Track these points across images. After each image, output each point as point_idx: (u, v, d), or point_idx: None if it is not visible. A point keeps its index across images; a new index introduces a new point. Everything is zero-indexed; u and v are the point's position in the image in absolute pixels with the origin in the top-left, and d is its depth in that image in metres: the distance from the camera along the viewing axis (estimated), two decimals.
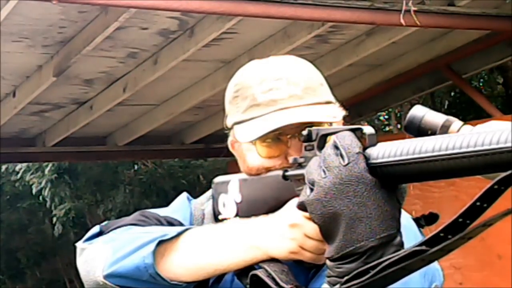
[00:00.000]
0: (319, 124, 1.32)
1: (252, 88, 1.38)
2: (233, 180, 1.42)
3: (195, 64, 4.56)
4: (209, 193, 1.51)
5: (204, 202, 1.51)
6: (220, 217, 1.42)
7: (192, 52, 4.15)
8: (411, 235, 1.22)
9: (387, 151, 1.09)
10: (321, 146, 1.18)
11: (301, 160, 1.27)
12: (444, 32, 4.81)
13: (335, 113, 1.37)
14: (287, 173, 1.31)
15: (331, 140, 1.15)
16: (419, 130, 1.26)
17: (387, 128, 10.55)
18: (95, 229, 1.47)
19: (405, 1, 3.71)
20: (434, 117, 1.26)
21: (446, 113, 1.27)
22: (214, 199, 1.45)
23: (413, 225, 1.31)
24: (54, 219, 9.82)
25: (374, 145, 1.12)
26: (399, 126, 9.31)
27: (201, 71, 4.79)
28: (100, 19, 3.72)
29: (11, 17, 3.58)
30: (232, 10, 3.50)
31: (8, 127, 5.39)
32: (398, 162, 1.07)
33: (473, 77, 8.10)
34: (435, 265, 1.38)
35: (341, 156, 1.10)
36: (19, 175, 9.71)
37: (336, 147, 1.12)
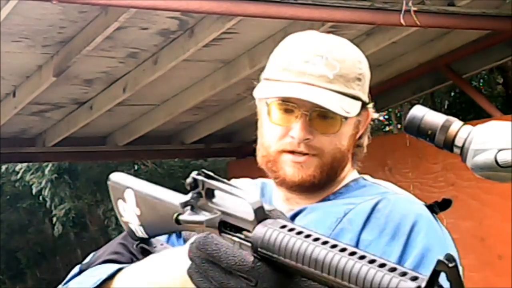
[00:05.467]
0: (329, 112, 1.32)
1: (293, 53, 1.38)
2: (127, 191, 1.35)
3: (195, 64, 4.56)
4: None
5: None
6: (123, 219, 1.38)
7: (192, 52, 4.15)
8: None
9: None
10: (210, 197, 1.14)
11: (192, 201, 1.18)
12: (444, 32, 4.81)
13: (352, 109, 1.36)
14: (180, 217, 1.20)
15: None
16: (419, 130, 1.26)
17: (387, 128, 10.56)
18: (75, 269, 1.46)
19: (405, 1, 3.71)
20: (434, 117, 1.26)
21: (446, 113, 1.27)
22: (112, 199, 1.40)
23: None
24: (54, 219, 9.84)
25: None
26: (399, 126, 9.32)
27: (201, 71, 4.79)
28: (100, 19, 3.72)
29: (11, 17, 3.58)
30: (232, 10, 3.50)
31: (8, 127, 5.39)
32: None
33: (473, 77, 8.10)
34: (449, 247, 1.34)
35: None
36: (19, 175, 9.72)
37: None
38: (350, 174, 1.45)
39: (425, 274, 0.87)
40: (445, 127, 1.25)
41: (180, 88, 5.14)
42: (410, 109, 1.28)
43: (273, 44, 4.76)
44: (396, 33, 4.42)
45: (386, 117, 10.26)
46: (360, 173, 1.49)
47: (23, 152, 6.06)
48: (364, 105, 1.42)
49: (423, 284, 0.87)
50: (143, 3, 3.34)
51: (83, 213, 10.27)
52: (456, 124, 1.25)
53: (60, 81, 4.41)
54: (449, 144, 1.25)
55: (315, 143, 1.35)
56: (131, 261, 1.40)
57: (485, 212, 4.66)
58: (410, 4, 3.71)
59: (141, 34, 4.01)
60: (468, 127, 1.25)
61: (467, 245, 4.80)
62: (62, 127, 5.61)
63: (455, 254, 1.33)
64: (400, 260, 1.27)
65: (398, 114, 9.43)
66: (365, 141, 1.47)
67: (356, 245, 1.29)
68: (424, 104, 6.39)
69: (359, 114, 1.40)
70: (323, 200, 1.41)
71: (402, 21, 3.71)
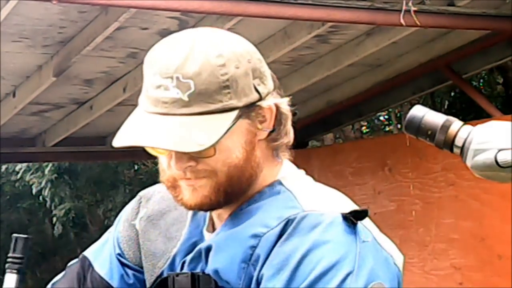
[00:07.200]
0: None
1: (148, 75, 1.32)
2: None
3: None
4: (135, 201, 1.46)
5: (133, 216, 1.45)
6: None
7: None
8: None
9: None
10: None
11: None
12: (444, 32, 4.81)
13: (216, 132, 1.21)
14: None
15: None
16: (419, 130, 1.26)
17: (387, 128, 10.56)
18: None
19: (405, 1, 3.71)
20: (434, 117, 1.26)
21: (446, 113, 1.27)
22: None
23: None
24: (54, 219, 9.85)
25: None
26: (399, 126, 9.32)
27: None
28: (100, 19, 3.72)
29: (11, 17, 3.58)
30: (232, 10, 3.50)
31: (8, 127, 5.39)
32: None
33: (473, 77, 8.10)
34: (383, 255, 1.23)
35: None
36: (19, 175, 9.73)
37: None
38: (272, 172, 1.32)
39: None
40: (445, 127, 1.25)
41: None
42: (410, 109, 1.28)
43: (273, 44, 4.75)
44: (396, 33, 4.41)
45: (386, 117, 10.26)
46: (299, 167, 1.36)
47: (23, 152, 6.06)
48: (252, 104, 1.25)
49: None
50: (143, 3, 3.35)
51: (83, 213, 10.27)
52: (456, 124, 1.25)
53: (60, 81, 4.41)
54: (449, 144, 1.25)
55: (201, 167, 1.25)
56: None
57: (485, 212, 4.65)
58: (410, 4, 3.71)
59: (141, 34, 4.01)
60: (468, 127, 1.25)
61: (467, 245, 4.80)
62: (62, 127, 5.61)
63: (363, 278, 1.18)
64: None
65: (398, 114, 9.43)
66: (285, 130, 1.31)
67: (257, 285, 1.21)
68: (424, 104, 6.39)
69: (250, 116, 1.25)
70: (238, 209, 1.30)
71: (402, 21, 3.71)
